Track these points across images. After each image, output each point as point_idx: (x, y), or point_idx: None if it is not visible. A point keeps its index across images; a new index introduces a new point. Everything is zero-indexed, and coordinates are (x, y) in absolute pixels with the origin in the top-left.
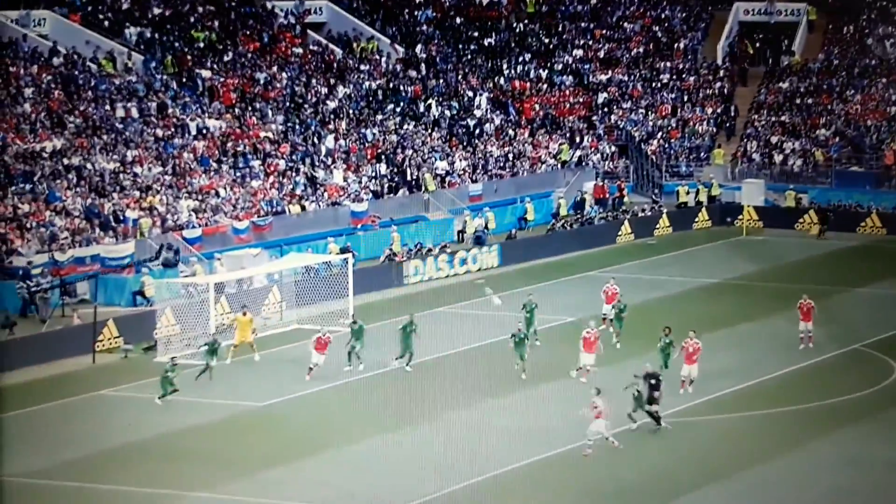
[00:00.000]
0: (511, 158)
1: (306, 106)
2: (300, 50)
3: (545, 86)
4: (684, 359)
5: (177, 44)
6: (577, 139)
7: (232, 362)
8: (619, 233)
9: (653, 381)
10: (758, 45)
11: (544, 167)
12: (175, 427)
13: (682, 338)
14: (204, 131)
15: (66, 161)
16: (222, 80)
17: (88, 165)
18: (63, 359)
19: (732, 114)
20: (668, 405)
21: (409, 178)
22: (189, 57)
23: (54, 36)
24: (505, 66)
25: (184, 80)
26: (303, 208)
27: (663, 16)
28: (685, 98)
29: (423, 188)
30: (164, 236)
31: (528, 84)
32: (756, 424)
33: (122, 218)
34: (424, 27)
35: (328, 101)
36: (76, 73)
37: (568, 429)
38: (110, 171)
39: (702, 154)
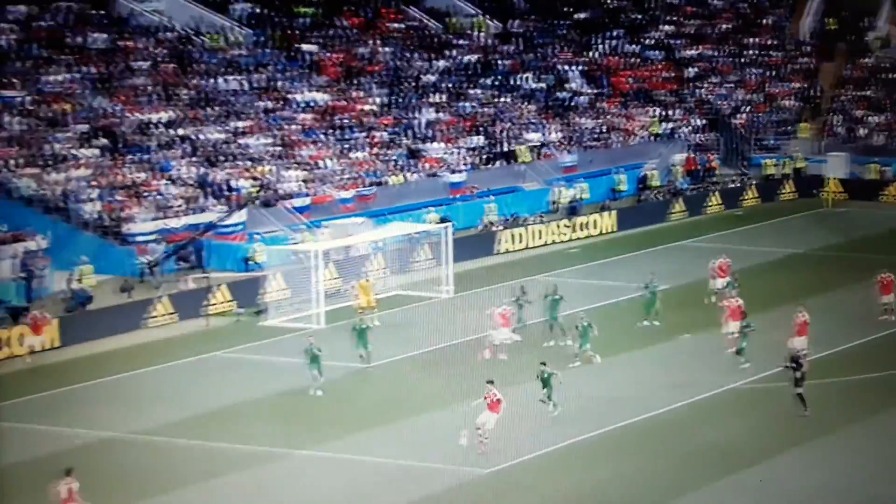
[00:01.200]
0: (604, 130)
1: (407, 80)
2: (400, 25)
3: (636, 60)
4: (795, 332)
5: (283, 20)
6: (668, 112)
7: (332, 327)
8: (709, 203)
9: (795, 365)
10: (842, 21)
11: (636, 139)
12: (283, 388)
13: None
14: (311, 104)
15: (178, 132)
16: (326, 54)
17: (199, 136)
18: (178, 322)
19: (817, 89)
20: (746, 373)
21: (504, 149)
22: (294, 32)
23: (166, 11)
24: (598, 41)
25: (290, 54)
26: (404, 179)
27: None
28: (772, 73)
29: (518, 159)
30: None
31: (621, 59)
32: (832, 393)
33: (232, 187)
34: (519, 2)
35: (427, 75)
36: (188, 47)
37: (658, 394)
38: (220, 141)
39: (788, 128)
